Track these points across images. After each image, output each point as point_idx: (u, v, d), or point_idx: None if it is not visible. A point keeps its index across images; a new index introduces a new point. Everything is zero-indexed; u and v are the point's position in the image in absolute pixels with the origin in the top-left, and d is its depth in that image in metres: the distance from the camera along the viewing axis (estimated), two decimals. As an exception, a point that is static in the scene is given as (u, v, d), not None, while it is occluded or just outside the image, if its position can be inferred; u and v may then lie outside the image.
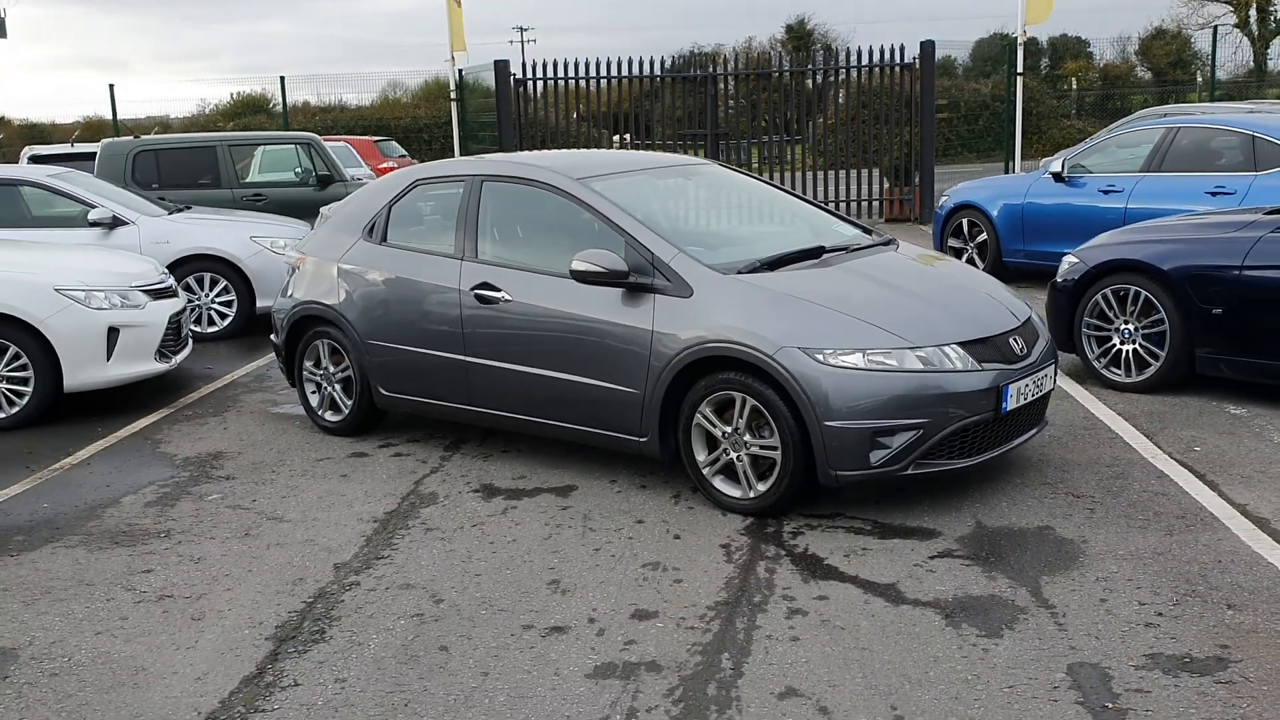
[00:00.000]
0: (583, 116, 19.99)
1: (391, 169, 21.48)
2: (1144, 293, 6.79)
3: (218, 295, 10.10)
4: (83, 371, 7.31)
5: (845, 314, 5.02)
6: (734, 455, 5.13)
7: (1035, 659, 3.71)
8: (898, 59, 17.27)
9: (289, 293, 6.94)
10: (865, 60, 17.37)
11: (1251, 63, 46.02)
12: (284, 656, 3.99)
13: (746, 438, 5.08)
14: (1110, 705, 3.41)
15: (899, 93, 17.42)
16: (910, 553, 4.65)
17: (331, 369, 6.73)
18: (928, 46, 17.31)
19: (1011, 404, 5.07)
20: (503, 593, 4.45)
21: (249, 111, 42.37)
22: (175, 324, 7.91)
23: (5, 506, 5.77)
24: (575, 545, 4.91)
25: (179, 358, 8.00)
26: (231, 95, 45.37)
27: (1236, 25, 47.87)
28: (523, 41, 71.11)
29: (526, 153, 6.72)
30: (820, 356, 4.84)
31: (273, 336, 7.18)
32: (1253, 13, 47.37)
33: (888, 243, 6.07)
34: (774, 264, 5.41)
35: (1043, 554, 4.57)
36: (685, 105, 18.93)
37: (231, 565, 4.87)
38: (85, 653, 4.09)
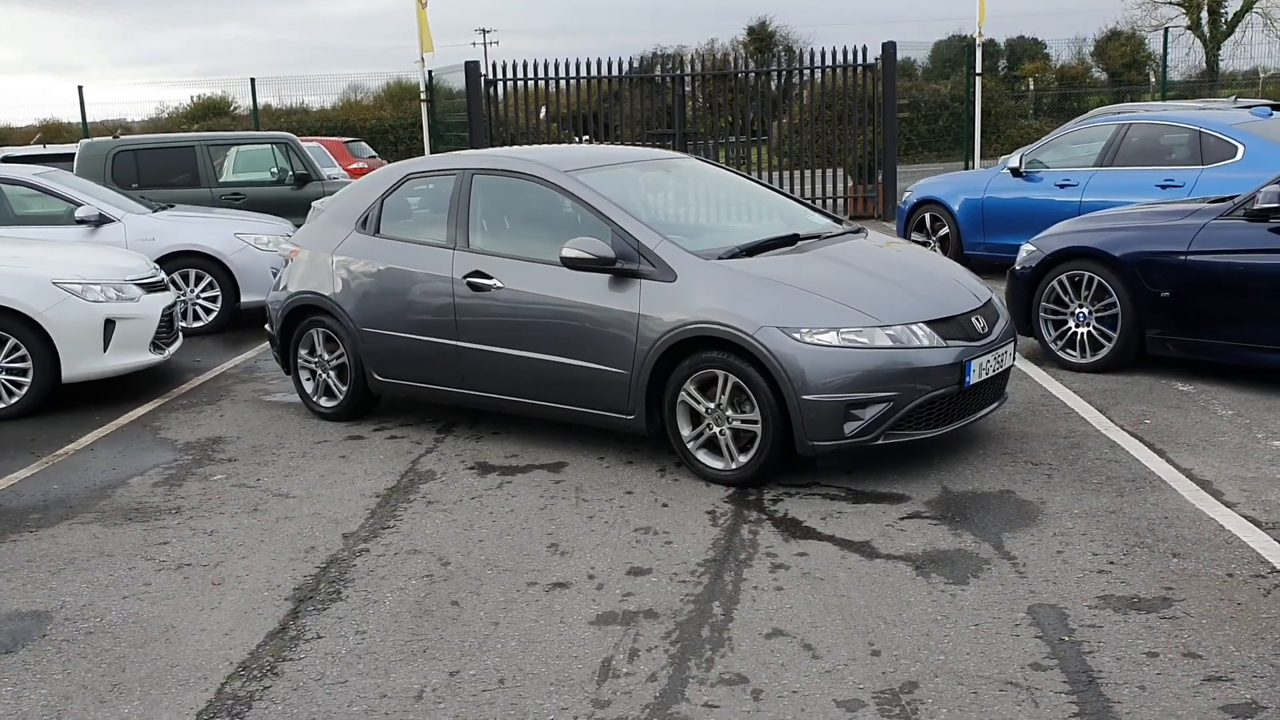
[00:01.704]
0: (552, 117, 20.28)
1: (362, 170, 21.70)
2: (1097, 278, 7.20)
3: (202, 291, 10.32)
4: (81, 362, 7.54)
5: (820, 295, 5.37)
6: (717, 429, 5.47)
7: (998, 601, 4.08)
8: (860, 60, 17.71)
9: (283, 284, 7.21)
10: (829, 61, 17.79)
11: (1204, 63, 47.01)
12: (304, 614, 4.29)
13: (728, 413, 5.42)
14: (1066, 638, 3.77)
15: (861, 93, 17.85)
16: (882, 515, 5.01)
17: (326, 356, 7.01)
18: (889, 48, 17.74)
19: (974, 378, 5.45)
20: (505, 555, 4.76)
21: (209, 114, 42.28)
22: (168, 316, 8.15)
23: (17, 488, 6.01)
24: (570, 514, 5.23)
25: (171, 349, 8.24)
26: (191, 98, 45.21)
27: (1189, 27, 48.89)
28: (485, 44, 71.16)
29: (514, 147, 7.03)
30: (797, 335, 5.19)
31: (267, 326, 7.44)
32: (1204, 14, 48.40)
33: (857, 231, 6.44)
34: (752, 250, 5.76)
35: (1004, 514, 4.95)
36: (652, 105, 19.26)
37: (244, 536, 5.15)
38: (116, 614, 4.36)
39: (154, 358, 7.98)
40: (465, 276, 6.19)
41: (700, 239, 5.88)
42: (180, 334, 8.58)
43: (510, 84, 18.41)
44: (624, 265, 5.64)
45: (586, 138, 20.85)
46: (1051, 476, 5.40)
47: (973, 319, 5.58)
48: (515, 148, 7.00)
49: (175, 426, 7.15)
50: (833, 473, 5.57)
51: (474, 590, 4.42)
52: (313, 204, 7.60)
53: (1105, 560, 4.39)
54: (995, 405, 5.86)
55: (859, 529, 4.85)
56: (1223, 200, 7.02)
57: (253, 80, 22.37)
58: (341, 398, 6.99)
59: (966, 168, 21.91)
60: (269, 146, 14.06)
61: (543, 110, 19.67)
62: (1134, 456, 5.64)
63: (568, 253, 5.65)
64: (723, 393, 5.41)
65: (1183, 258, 6.77)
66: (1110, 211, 7.86)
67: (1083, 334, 7.37)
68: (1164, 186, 9.58)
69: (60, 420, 7.37)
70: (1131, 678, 3.50)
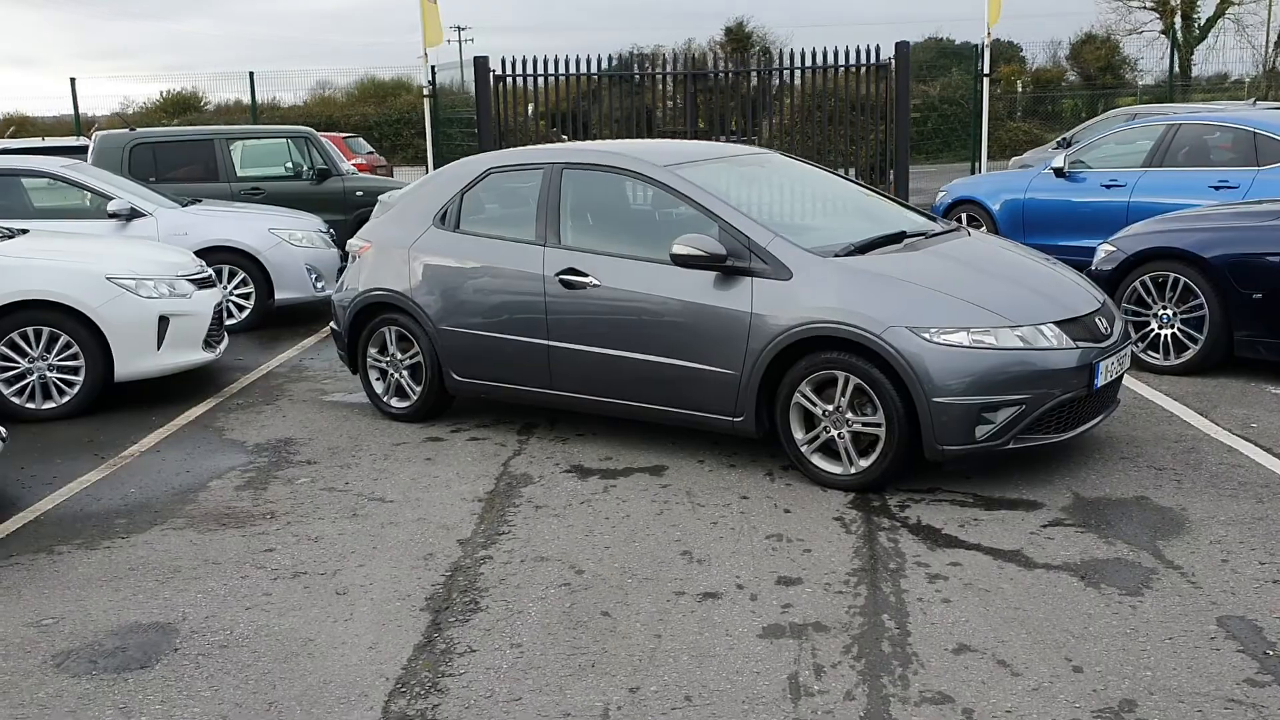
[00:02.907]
0: (552, 113, 20.00)
1: (362, 165, 21.39)
2: (1183, 279, 7.09)
3: (235, 288, 10.04)
4: (134, 360, 7.27)
5: (946, 294, 5.21)
6: (835, 433, 5.30)
7: (1183, 614, 3.92)
8: (874, 59, 17.64)
9: (350, 281, 6.98)
10: (844, 60, 17.71)
11: (1177, 68, 47.42)
12: (446, 626, 4.07)
13: (849, 415, 5.24)
14: (1271, 652, 3.63)
15: (874, 92, 17.78)
16: (1021, 522, 4.85)
17: (399, 355, 6.77)
18: (903, 47, 17.67)
19: (1101, 380, 5.31)
20: (639, 563, 4.56)
21: (179, 109, 41.71)
22: (218, 314, 7.89)
23: (92, 491, 5.74)
24: (690, 520, 5.04)
25: (221, 348, 7.98)
26: (161, 93, 44.41)
27: (1162, 31, 49.41)
28: (460, 41, 70.53)
29: (599, 142, 6.83)
30: (926, 335, 5.03)
31: (333, 324, 7.20)
32: (1178, 19, 48.91)
33: (957, 229, 6.28)
34: (864, 248, 5.60)
35: (1149, 521, 4.80)
36: (631, 104, 19.06)
37: (353, 543, 4.92)
38: (244, 626, 4.13)
39: (206, 356, 7.71)
40: (558, 274, 5.99)
41: (807, 236, 5.69)
42: (226, 333, 8.30)
43: (519, 80, 18.19)
44: (734, 263, 5.46)
45: (565, 136, 20.57)
46: (1181, 482, 5.26)
47: (1096, 320, 5.44)
48: (602, 142, 6.78)
49: (239, 427, 6.89)
50: (952, 478, 5.41)
51: (621, 600, 4.22)
52: (379, 199, 7.39)
53: (1275, 569, 4.25)
54: (1112, 409, 5.72)
55: (1004, 537, 4.69)
56: (1314, 201, 6.93)
57: (251, 74, 22.01)
58: (415, 398, 6.76)
59: (973, 169, 21.92)
60: (284, 140, 13.77)
61: (530, 107, 19.43)
62: (1256, 461, 5.52)
63: (678, 249, 5.46)
64: (843, 394, 5.23)
65: (1277, 259, 6.66)
66: (1189, 213, 7.75)
67: (1166, 335, 7.25)
68: (1218, 187, 9.48)
69: (115, 420, 7.09)
70: (1358, 694, 3.36)
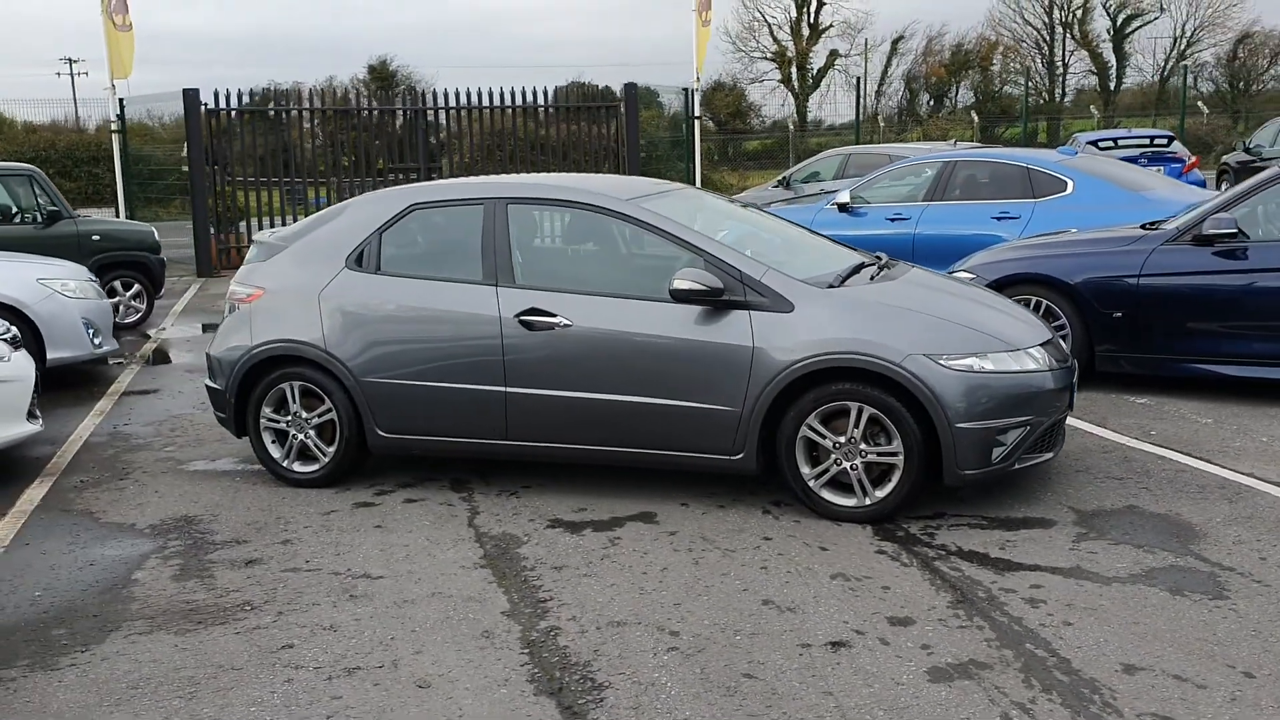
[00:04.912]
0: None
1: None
2: (1045, 301, 7.63)
3: (-3, 347, 8.62)
4: (-47, 438, 6.07)
5: (945, 320, 5.30)
6: (847, 464, 5.23)
7: (1281, 612, 4.16)
8: (602, 101, 17.96)
9: (233, 335, 6.17)
10: (574, 100, 17.88)
11: (795, 114, 51.61)
12: (581, 710, 3.64)
13: (862, 446, 5.20)
14: (1388, 639, 3.91)
15: (603, 132, 18.10)
16: (1051, 540, 4.98)
17: (304, 414, 6.05)
18: (631, 90, 18.13)
19: (1076, 400, 5.57)
20: (729, 619, 4.28)
21: None
22: (37, 378, 6.75)
23: (-11, 600, 4.71)
24: (735, 567, 4.80)
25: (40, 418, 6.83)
26: None
27: (781, 81, 53.81)
28: (73, 75, 64.93)
29: (539, 175, 6.41)
30: (942, 361, 5.08)
31: (210, 382, 6.33)
32: (794, 70, 53.43)
33: (896, 261, 6.40)
34: (844, 278, 5.60)
35: (1160, 528, 5.07)
36: (273, 141, 18.40)
37: (381, 628, 4.31)
38: (346, 739, 3.50)
39: (32, 428, 6.58)
40: (517, 315, 5.57)
41: (789, 268, 5.58)
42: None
43: (234, 115, 16.99)
44: (730, 297, 5.29)
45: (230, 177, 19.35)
46: (1149, 489, 5.61)
47: (1058, 343, 5.71)
48: (543, 175, 6.38)
49: (110, 508, 5.89)
50: (949, 502, 5.48)
51: (751, 659, 3.93)
52: (255, 238, 6.57)
53: (1313, 563, 4.61)
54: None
55: (1050, 555, 4.80)
56: (1151, 227, 7.65)
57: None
58: (326, 460, 6.05)
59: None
60: (-9, 179, 12.07)
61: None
62: (1193, 467, 5.95)
63: (680, 284, 5.23)
64: (855, 425, 5.18)
65: (1135, 281, 7.31)
66: (1043, 239, 8.34)
67: (1030, 355, 7.74)
68: (1000, 218, 10.30)
69: (-61, 511, 5.87)
70: None
